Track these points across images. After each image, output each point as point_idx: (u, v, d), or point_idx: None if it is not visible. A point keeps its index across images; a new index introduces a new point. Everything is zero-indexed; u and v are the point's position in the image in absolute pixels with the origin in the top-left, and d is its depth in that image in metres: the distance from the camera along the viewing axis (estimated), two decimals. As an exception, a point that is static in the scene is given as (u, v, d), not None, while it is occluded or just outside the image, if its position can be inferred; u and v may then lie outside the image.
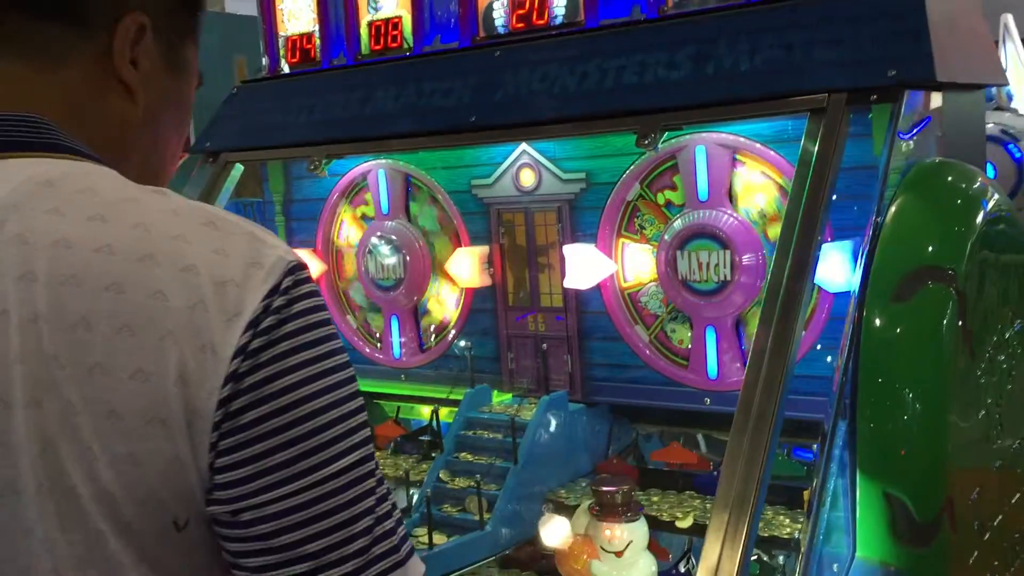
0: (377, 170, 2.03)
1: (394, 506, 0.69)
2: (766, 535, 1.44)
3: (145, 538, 0.63)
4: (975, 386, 1.28)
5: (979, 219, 1.31)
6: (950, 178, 1.37)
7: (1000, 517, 1.39)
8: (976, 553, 1.28)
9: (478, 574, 1.62)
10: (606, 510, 1.45)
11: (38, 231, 0.64)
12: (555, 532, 1.52)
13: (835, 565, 1.19)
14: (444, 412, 1.93)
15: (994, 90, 4.53)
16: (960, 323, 1.20)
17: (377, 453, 1.44)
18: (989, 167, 6.67)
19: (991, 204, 1.36)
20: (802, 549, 1.13)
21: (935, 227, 1.26)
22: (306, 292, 0.66)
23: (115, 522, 0.62)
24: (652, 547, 1.50)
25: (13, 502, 0.61)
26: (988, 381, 1.32)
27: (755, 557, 1.43)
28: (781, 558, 1.39)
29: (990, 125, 5.82)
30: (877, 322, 1.20)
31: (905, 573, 1.14)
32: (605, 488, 1.45)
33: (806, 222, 1.27)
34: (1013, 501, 1.45)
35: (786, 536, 1.37)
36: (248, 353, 0.63)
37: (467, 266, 1.91)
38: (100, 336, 0.62)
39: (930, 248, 1.23)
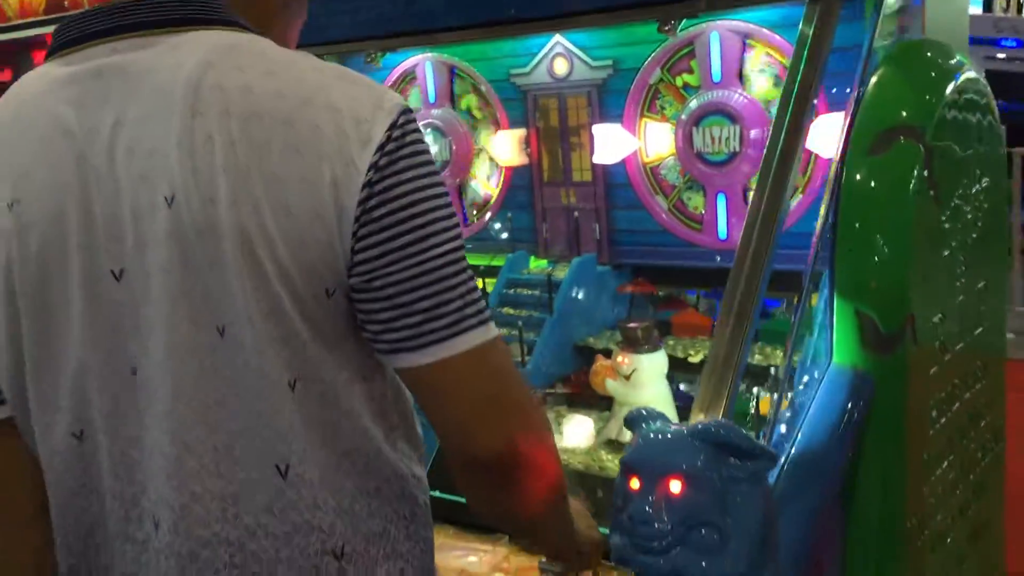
0: (424, 63, 2.26)
1: (477, 287, 0.95)
2: (764, 364, 1.71)
3: (306, 301, 0.90)
4: (940, 230, 1.52)
5: (950, 88, 1.53)
6: (927, 53, 1.58)
7: (961, 344, 1.64)
8: (936, 368, 1.54)
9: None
10: (628, 343, 1.72)
11: (229, 81, 0.89)
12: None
13: (816, 372, 1.45)
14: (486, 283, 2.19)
15: None
16: (927, 173, 1.44)
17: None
18: None
19: (963, 76, 1.58)
20: (784, 362, 1.39)
21: (908, 92, 1.48)
22: (414, 127, 0.92)
23: (288, 288, 0.89)
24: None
25: (220, 271, 0.88)
26: (953, 227, 1.56)
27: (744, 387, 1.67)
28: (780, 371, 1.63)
29: None
30: (855, 174, 1.44)
31: (871, 375, 1.40)
32: (630, 324, 1.71)
33: (800, 95, 1.49)
34: (976, 333, 1.71)
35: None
36: (377, 168, 0.89)
37: (507, 147, 2.15)
38: (277, 155, 0.88)
39: (903, 110, 1.46)
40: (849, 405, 1.38)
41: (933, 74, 1.55)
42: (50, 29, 1.03)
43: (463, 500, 1.01)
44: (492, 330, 0.94)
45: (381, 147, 0.89)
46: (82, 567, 1.02)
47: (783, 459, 1.33)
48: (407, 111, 0.92)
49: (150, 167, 0.89)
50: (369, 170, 0.88)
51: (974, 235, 1.64)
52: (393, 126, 0.90)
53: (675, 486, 1.00)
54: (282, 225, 0.88)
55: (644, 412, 1.09)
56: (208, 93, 0.89)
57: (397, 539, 1.01)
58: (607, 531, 1.11)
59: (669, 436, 1.03)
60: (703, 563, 1.00)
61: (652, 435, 1.04)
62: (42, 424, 0.98)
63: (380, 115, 0.90)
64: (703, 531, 1.00)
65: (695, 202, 1.98)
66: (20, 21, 2.99)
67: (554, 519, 1.07)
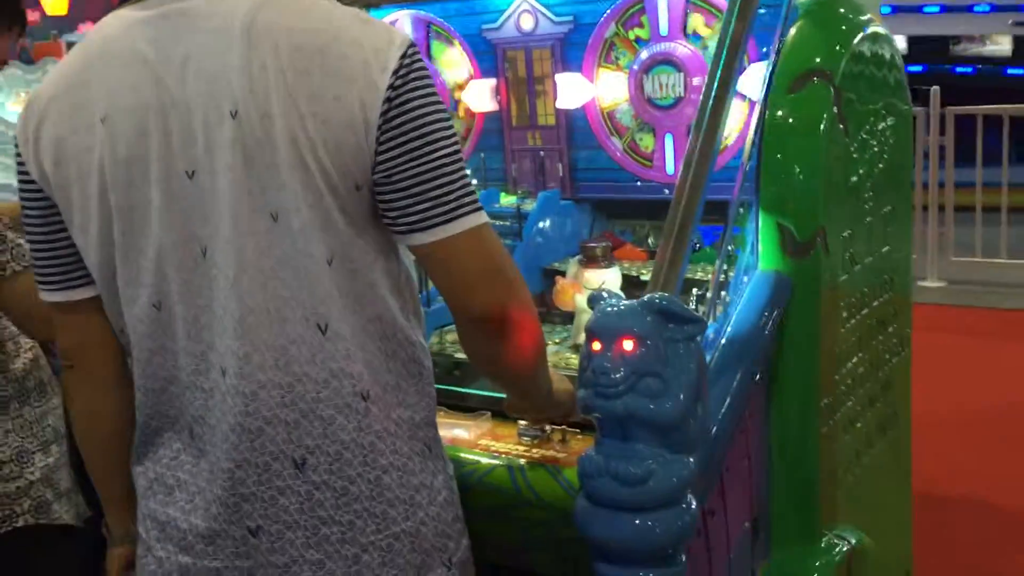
0: (404, 18, 2.50)
1: (471, 183, 1.22)
2: (701, 278, 1.99)
3: (341, 194, 1.17)
4: (849, 158, 1.80)
5: (857, 38, 1.81)
6: (839, 9, 1.86)
7: (870, 259, 1.94)
8: (846, 276, 1.83)
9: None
10: (589, 260, 1.99)
11: (275, 22, 1.15)
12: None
13: (745, 277, 1.74)
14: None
15: None
16: (836, 110, 1.72)
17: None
18: None
19: (870, 30, 1.87)
20: (715, 270, 1.68)
21: (821, 41, 1.76)
22: (419, 56, 1.18)
23: (327, 183, 1.15)
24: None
25: (274, 170, 1.14)
26: (860, 157, 1.85)
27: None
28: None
29: None
30: (776, 111, 1.72)
31: (789, 276, 1.69)
32: (589, 244, 1.99)
33: (732, 45, 1.76)
34: (883, 250, 2.01)
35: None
36: (393, 87, 1.15)
37: (479, 94, 2.41)
38: (316, 79, 1.14)
39: (816, 56, 1.74)
40: (771, 299, 1.67)
41: (843, 27, 1.83)
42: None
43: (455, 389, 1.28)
44: (484, 216, 1.21)
45: (396, 71, 1.15)
46: (156, 416, 1.28)
47: (721, 341, 1.62)
48: (413, 44, 1.19)
49: (216, 88, 1.15)
50: (387, 89, 1.15)
51: (880, 166, 1.94)
52: (404, 55, 1.16)
53: (628, 344, 1.28)
54: (322, 133, 1.14)
55: (603, 292, 1.37)
56: (260, 31, 1.15)
57: (408, 392, 1.28)
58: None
59: (622, 307, 1.31)
60: (650, 405, 1.28)
61: (609, 307, 1.32)
62: (128, 298, 1.24)
63: (393, 47, 1.17)
64: (649, 380, 1.28)
65: (646, 142, 2.25)
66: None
67: (539, 373, 1.35)
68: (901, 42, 8.32)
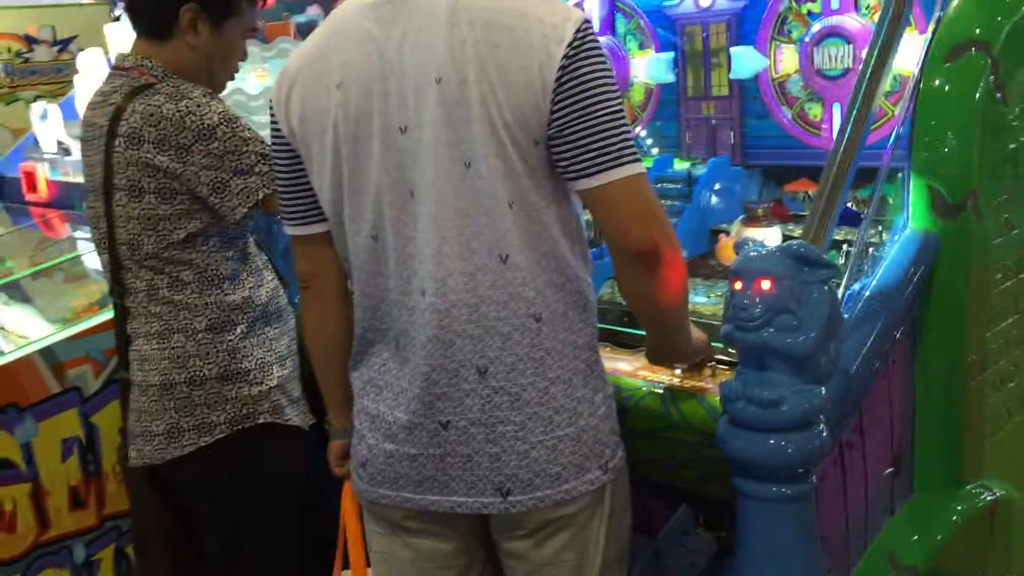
0: (591, -3, 2.72)
1: (633, 137, 1.43)
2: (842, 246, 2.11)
3: (522, 146, 1.41)
4: (1005, 126, 1.88)
5: (1020, 11, 1.88)
6: (1004, -17, 1.94)
7: (1028, 225, 2.00)
8: (1001, 239, 1.91)
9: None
10: (751, 219, 2.16)
11: (473, 4, 1.41)
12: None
13: (896, 236, 1.86)
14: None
15: None
16: (992, 79, 1.81)
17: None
18: None
19: (1035, 3, 1.93)
20: (862, 228, 1.81)
21: (981, 13, 1.84)
22: (591, 31, 1.41)
23: (511, 137, 1.40)
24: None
25: (468, 125, 1.40)
26: (1020, 124, 1.92)
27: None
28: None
29: None
30: (933, 80, 1.83)
31: (938, 236, 1.80)
32: (751, 204, 2.16)
33: (895, 15, 1.88)
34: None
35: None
36: (567, 57, 1.38)
37: (657, 67, 2.60)
38: (504, 51, 1.38)
39: (976, 27, 1.83)
40: (918, 256, 1.79)
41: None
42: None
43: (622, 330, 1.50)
44: (641, 167, 1.43)
45: (571, 43, 1.39)
46: (371, 329, 1.57)
47: (865, 293, 1.76)
48: (587, 21, 1.42)
49: (426, 59, 1.41)
50: (562, 59, 1.38)
51: (1043, 133, 1.99)
52: (577, 31, 1.39)
53: (765, 284, 1.45)
54: (507, 96, 1.39)
55: (747, 239, 1.55)
56: (460, 11, 1.40)
57: (574, 320, 1.52)
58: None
59: (763, 252, 1.49)
60: (786, 339, 1.46)
61: (751, 252, 1.50)
62: (352, 231, 1.53)
63: (569, 24, 1.40)
64: (784, 316, 1.45)
65: (815, 111, 2.38)
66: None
67: (682, 311, 1.55)
68: None
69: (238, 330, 2.01)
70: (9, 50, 6.32)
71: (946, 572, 1.90)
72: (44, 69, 6.25)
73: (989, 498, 1.94)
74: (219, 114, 1.92)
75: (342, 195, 1.52)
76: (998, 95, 1.84)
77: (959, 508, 1.91)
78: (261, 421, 2.04)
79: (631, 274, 1.48)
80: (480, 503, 1.50)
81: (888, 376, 1.81)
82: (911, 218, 1.85)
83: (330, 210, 1.56)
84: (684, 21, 2.54)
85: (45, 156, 3.93)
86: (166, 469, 2.04)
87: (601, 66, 1.40)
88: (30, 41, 6.41)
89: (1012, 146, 1.91)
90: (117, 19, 4.92)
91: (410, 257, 1.49)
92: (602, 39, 2.67)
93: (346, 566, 1.87)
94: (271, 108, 1.58)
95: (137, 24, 2.04)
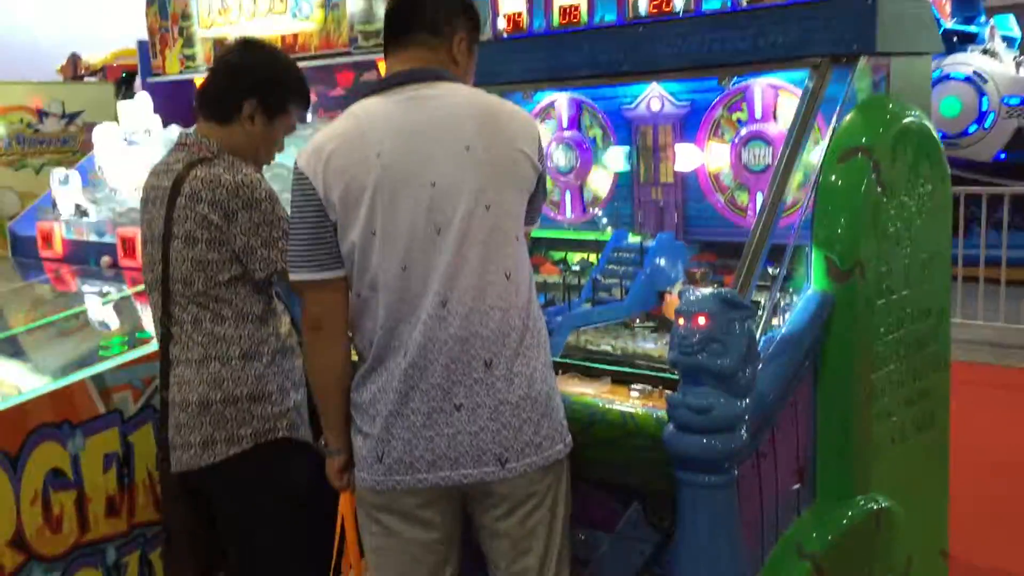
0: (561, 99, 3.27)
1: None
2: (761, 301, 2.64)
3: (524, 201, 1.98)
4: (887, 214, 2.44)
5: (898, 125, 2.46)
6: (888, 104, 2.52)
7: (907, 291, 2.55)
8: (883, 301, 2.46)
9: (619, 329, 2.87)
10: (691, 280, 2.68)
11: (476, 105, 1.99)
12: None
13: (801, 296, 2.39)
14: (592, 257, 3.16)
15: (985, 37, 5.83)
16: (875, 176, 2.37)
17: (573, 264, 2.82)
18: (956, 101, 7.87)
19: (907, 119, 2.51)
20: (776, 291, 2.34)
21: (865, 125, 2.42)
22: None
23: (516, 193, 1.97)
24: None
25: (493, 181, 1.97)
26: (898, 213, 2.48)
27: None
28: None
29: (968, 67, 7.14)
30: (829, 176, 2.39)
31: (832, 295, 2.34)
32: (692, 268, 2.68)
33: (801, 127, 2.44)
34: (922, 285, 2.61)
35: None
36: (540, 159, 1.95)
37: (616, 158, 3.15)
38: (501, 142, 1.96)
39: (863, 137, 2.40)
40: (818, 310, 2.32)
41: (888, 116, 2.49)
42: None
43: (586, 364, 2.10)
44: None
45: (539, 152, 1.99)
46: (385, 347, 1.99)
47: (777, 336, 2.28)
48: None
49: (450, 135, 1.95)
50: (539, 160, 2.00)
51: (917, 222, 2.56)
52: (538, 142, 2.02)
53: (701, 320, 1.96)
54: (506, 185, 1.95)
55: (689, 288, 2.07)
56: (474, 112, 1.97)
57: (542, 324, 2.05)
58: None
59: (700, 295, 2.00)
60: (716, 361, 1.96)
61: (691, 297, 2.02)
62: (383, 267, 1.97)
63: (536, 130, 2.02)
64: (714, 344, 1.96)
65: (742, 198, 2.93)
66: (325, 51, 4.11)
67: None
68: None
69: (264, 359, 2.42)
70: (21, 120, 6.87)
71: (841, 566, 2.38)
72: (52, 139, 6.74)
73: (875, 508, 2.44)
74: (266, 191, 2.37)
75: (372, 240, 1.97)
76: (879, 189, 2.40)
77: (850, 514, 2.41)
78: (280, 436, 2.43)
79: None
80: (483, 472, 1.96)
81: (795, 403, 2.32)
82: (813, 281, 2.39)
83: (357, 254, 1.99)
84: (638, 122, 3.10)
85: (62, 217, 4.35)
86: (198, 475, 2.42)
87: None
88: (41, 113, 6.98)
89: (891, 229, 2.47)
90: (126, 97, 5.41)
91: (429, 280, 1.95)
92: (568, 133, 3.25)
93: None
94: (301, 175, 2.01)
95: (202, 106, 2.51)
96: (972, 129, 8.43)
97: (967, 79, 8.39)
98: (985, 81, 8.40)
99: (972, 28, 8.95)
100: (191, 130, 2.53)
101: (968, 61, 8.52)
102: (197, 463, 2.38)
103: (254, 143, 2.48)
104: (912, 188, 2.54)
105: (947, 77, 8.38)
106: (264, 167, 2.60)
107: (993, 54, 8.65)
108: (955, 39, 8.72)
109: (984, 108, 8.40)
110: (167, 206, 2.39)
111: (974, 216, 7.25)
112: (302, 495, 2.49)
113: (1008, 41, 9.16)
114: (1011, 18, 9.55)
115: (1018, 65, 8.92)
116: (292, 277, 2.06)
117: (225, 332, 2.39)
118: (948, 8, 9.23)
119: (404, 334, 1.99)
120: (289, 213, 2.09)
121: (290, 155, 3.70)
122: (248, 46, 2.57)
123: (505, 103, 2.09)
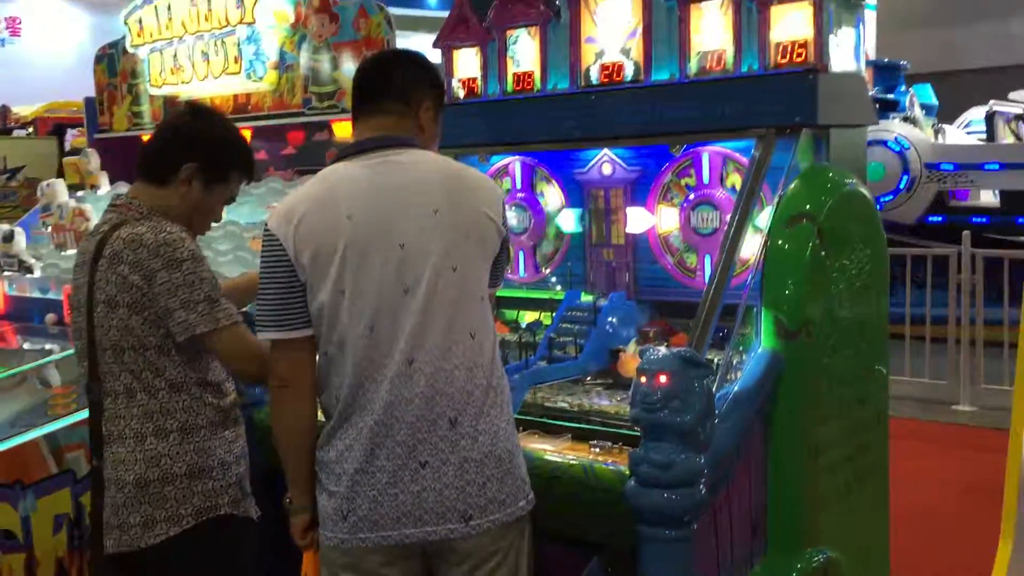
0: (515, 162, 3.37)
1: None
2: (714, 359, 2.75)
3: (488, 264, 2.05)
4: (829, 276, 2.57)
5: (838, 193, 2.61)
6: (828, 173, 2.67)
7: (849, 350, 2.68)
8: (827, 359, 2.57)
9: (573, 386, 2.94)
10: (644, 339, 2.77)
11: (445, 171, 2.08)
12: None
13: (751, 354, 2.50)
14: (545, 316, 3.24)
15: (906, 106, 6.25)
16: (818, 241, 2.50)
17: (525, 324, 2.88)
18: (880, 166, 8.34)
19: (847, 187, 2.66)
20: (730, 350, 2.44)
21: (810, 193, 2.56)
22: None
23: (481, 255, 2.05)
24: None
25: (460, 244, 2.04)
26: (839, 275, 2.61)
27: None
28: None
29: (890, 134, 7.58)
30: (776, 240, 2.51)
31: (782, 353, 2.45)
32: (645, 328, 2.78)
33: (748, 193, 2.57)
34: (861, 345, 2.74)
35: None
36: (504, 223, 2.04)
37: (569, 220, 3.25)
38: (466, 207, 2.05)
39: (806, 204, 2.53)
40: (768, 367, 2.43)
41: (829, 185, 2.64)
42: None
43: (546, 420, 2.12)
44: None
45: (503, 217, 2.10)
46: (351, 405, 2.03)
47: (731, 394, 2.37)
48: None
49: (419, 199, 2.02)
50: (504, 224, 2.10)
51: (857, 284, 2.69)
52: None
53: (663, 378, 2.05)
54: (470, 248, 2.04)
55: (650, 348, 2.15)
56: (442, 177, 2.05)
57: (505, 384, 2.10)
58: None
59: (660, 355, 2.09)
60: (676, 418, 2.04)
61: (652, 356, 2.10)
62: (351, 327, 2.02)
63: (500, 194, 2.10)
64: (675, 402, 2.04)
65: (691, 260, 3.05)
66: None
67: None
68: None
69: (203, 432, 2.30)
70: (-40, 176, 6.64)
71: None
72: (-8, 195, 6.62)
73: (822, 559, 2.53)
74: (190, 251, 2.25)
75: (341, 299, 2.02)
76: (823, 253, 2.53)
77: (799, 566, 2.49)
78: (222, 512, 2.31)
79: None
80: (447, 529, 2.00)
81: (748, 458, 2.41)
82: (763, 340, 2.49)
83: (326, 313, 2.03)
84: (590, 185, 3.21)
85: (5, 274, 4.29)
86: (139, 556, 2.28)
87: None
88: (-20, 168, 6.74)
89: (834, 290, 2.60)
90: (69, 153, 5.38)
91: (395, 339, 2.01)
92: (521, 195, 3.34)
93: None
94: (271, 236, 2.06)
95: (141, 167, 2.42)
96: (895, 194, 8.82)
97: (888, 145, 8.79)
98: (907, 147, 8.82)
99: (893, 96, 9.40)
100: (124, 191, 2.47)
101: (890, 128, 8.94)
102: (138, 544, 2.27)
103: (187, 208, 2.38)
104: (852, 251, 2.68)
105: (871, 143, 8.78)
106: (214, 224, 2.56)
107: (914, 121, 9.09)
108: (877, 107, 9.14)
109: (907, 173, 8.80)
110: (89, 270, 2.30)
111: (897, 275, 7.53)
112: (247, 573, 2.42)
113: (927, 108, 9.62)
114: (929, 87, 10.06)
115: (936, 132, 9.38)
116: (260, 335, 2.10)
117: (161, 404, 2.28)
118: (870, 77, 9.69)
119: (371, 392, 2.03)
120: (230, 275, 2.14)
121: (243, 213, 3.77)
122: (196, 112, 2.51)
123: (470, 169, 2.19)
